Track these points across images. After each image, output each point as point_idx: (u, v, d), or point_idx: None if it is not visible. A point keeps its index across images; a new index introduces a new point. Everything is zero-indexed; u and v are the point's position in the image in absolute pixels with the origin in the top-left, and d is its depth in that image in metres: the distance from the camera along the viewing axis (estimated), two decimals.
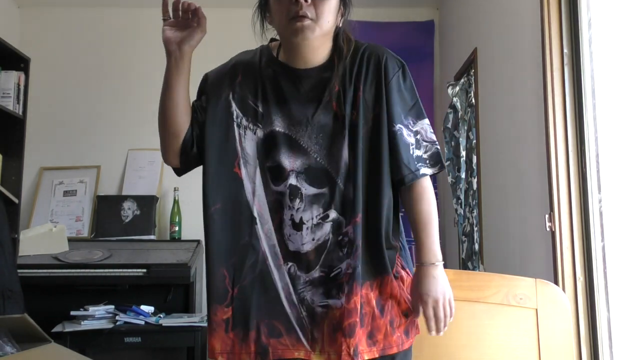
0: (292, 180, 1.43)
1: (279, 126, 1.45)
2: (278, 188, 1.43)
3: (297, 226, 1.42)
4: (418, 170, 1.46)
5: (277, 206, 1.43)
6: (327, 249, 1.41)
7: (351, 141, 1.44)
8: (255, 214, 1.43)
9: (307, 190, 1.43)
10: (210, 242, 1.44)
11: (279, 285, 1.41)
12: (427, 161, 1.48)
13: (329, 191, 1.42)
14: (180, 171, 1.56)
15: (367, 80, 1.46)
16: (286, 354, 1.40)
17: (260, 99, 1.47)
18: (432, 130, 1.51)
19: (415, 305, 1.45)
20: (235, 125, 1.46)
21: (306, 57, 1.46)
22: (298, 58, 1.46)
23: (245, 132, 1.46)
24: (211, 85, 1.52)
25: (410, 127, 1.47)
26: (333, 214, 1.42)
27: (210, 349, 1.44)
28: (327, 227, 1.42)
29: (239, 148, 1.45)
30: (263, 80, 1.48)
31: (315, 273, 1.41)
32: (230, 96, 1.48)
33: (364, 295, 1.41)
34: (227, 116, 1.47)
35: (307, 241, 1.41)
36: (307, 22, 1.38)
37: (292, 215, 1.42)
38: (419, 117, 1.49)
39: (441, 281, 1.44)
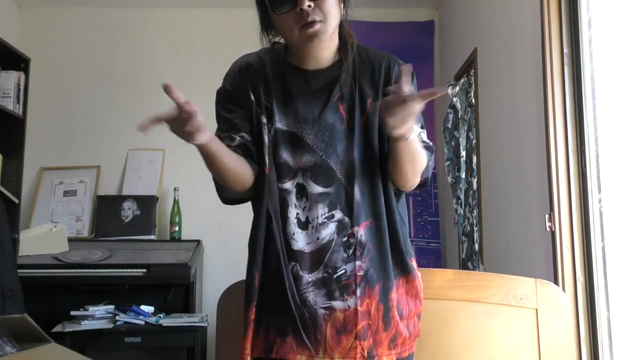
0: (299, 179, 1.43)
1: (281, 124, 1.46)
2: (284, 185, 1.43)
3: (303, 225, 1.41)
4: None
5: (282, 203, 1.43)
6: (332, 250, 1.40)
7: (361, 145, 1.44)
8: (271, 212, 1.43)
9: (313, 188, 1.42)
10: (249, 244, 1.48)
11: (287, 284, 1.40)
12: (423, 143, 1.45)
13: (335, 191, 1.42)
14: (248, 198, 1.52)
15: (376, 85, 1.47)
16: (289, 356, 1.39)
17: (268, 97, 1.47)
18: (426, 137, 1.49)
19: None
20: (261, 125, 1.46)
21: (318, 57, 1.46)
22: (310, 60, 1.46)
23: (264, 128, 1.46)
24: (234, 93, 1.50)
25: None
26: (338, 215, 1.41)
27: (241, 349, 1.42)
28: (332, 227, 1.41)
29: (265, 146, 1.45)
30: (269, 78, 1.49)
31: (319, 274, 1.40)
32: (252, 96, 1.48)
33: (390, 299, 1.40)
34: (256, 116, 1.47)
35: (311, 240, 1.40)
36: (317, 25, 1.38)
37: (297, 213, 1.42)
38: (417, 122, 1.45)
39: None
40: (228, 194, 1.50)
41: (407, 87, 1.22)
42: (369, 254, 1.40)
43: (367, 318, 1.39)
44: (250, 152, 1.45)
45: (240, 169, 1.43)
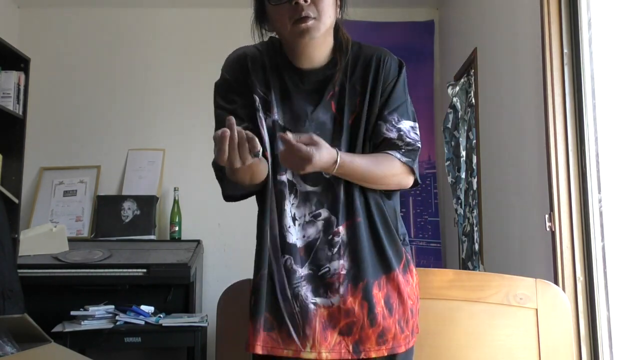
0: (289, 175, 1.44)
1: (279, 118, 1.46)
2: (281, 178, 1.44)
3: (293, 220, 1.43)
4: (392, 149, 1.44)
5: (279, 196, 1.44)
6: (316, 247, 1.42)
7: (350, 143, 1.44)
8: (269, 203, 1.44)
9: (302, 187, 1.44)
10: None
11: (276, 277, 1.41)
12: (402, 148, 1.45)
13: (322, 190, 1.43)
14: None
15: (368, 83, 1.46)
16: (275, 351, 1.40)
17: (267, 88, 1.47)
18: (416, 132, 1.48)
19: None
20: (260, 114, 1.46)
21: (311, 56, 1.46)
22: (303, 58, 1.46)
23: (262, 118, 1.45)
24: (234, 83, 1.49)
25: (393, 122, 1.46)
26: (325, 213, 1.43)
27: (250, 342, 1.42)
28: (319, 225, 1.42)
29: (264, 134, 1.44)
30: (267, 70, 1.49)
31: (307, 269, 1.42)
32: (253, 83, 1.47)
33: (374, 296, 1.41)
34: (253, 103, 1.46)
35: (299, 236, 1.42)
36: (311, 22, 1.38)
37: (290, 208, 1.43)
38: (402, 116, 1.47)
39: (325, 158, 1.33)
40: (235, 191, 1.46)
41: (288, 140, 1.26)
42: (354, 252, 1.41)
43: (352, 315, 1.40)
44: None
45: (262, 166, 1.40)
